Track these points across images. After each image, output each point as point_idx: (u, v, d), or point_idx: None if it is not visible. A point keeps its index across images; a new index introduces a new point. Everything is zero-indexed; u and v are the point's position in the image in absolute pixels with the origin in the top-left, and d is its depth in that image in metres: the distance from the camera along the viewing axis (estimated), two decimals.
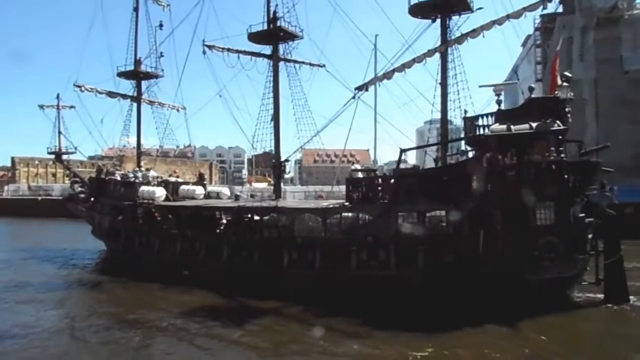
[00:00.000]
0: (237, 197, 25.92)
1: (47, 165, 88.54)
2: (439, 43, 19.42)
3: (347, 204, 18.82)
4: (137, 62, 28.27)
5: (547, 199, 15.67)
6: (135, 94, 28.80)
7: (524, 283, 15.18)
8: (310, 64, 24.63)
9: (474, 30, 18.51)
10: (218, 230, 21.86)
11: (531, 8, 17.43)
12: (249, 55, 22.55)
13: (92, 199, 28.33)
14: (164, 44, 29.57)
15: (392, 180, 17.61)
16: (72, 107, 30.09)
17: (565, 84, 16.34)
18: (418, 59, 19.53)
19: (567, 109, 16.46)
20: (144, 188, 24.36)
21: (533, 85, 16.48)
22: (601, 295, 16.44)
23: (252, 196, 24.71)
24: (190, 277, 19.94)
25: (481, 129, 17.13)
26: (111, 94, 28.13)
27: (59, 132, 29.84)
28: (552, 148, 15.94)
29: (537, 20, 54.63)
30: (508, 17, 17.88)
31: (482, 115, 17.40)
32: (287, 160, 23.15)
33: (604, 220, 16.46)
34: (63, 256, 27.84)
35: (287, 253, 18.57)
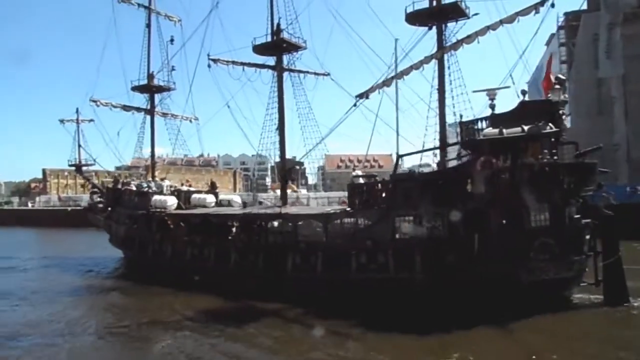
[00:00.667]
0: (260, 204, 26.43)
1: (76, 177, 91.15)
2: (435, 50, 19.78)
3: (348, 209, 19.30)
4: (150, 77, 29.41)
5: (541, 201, 15.85)
6: (148, 107, 29.93)
7: (520, 284, 15.35)
8: (315, 73, 25.24)
9: (468, 36, 18.84)
10: (230, 237, 22.54)
11: (523, 13, 17.65)
12: (253, 67, 23.31)
13: (109, 208, 29.45)
14: (175, 58, 30.66)
15: (390, 185, 17.98)
16: (91, 120, 31.40)
17: (557, 86, 16.49)
18: (415, 66, 19.93)
19: (561, 111, 16.61)
20: (156, 197, 25.30)
21: (525, 89, 16.62)
22: (600, 297, 16.50)
23: (260, 203, 25.31)
24: (201, 282, 20.68)
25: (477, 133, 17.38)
26: (125, 108, 29.33)
27: (79, 145, 31.16)
28: (546, 150, 16.15)
29: (561, 19, 53.89)
30: (501, 22, 18.17)
31: (477, 120, 17.67)
32: (292, 168, 23.69)
33: (602, 221, 16.55)
34: (84, 264, 28.98)
35: (291, 258, 19.13)
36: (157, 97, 30.21)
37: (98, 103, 28.72)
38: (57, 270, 27.76)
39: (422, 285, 15.99)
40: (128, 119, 30.38)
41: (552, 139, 16.22)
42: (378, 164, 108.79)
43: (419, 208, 16.87)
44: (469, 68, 22.52)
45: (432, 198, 16.78)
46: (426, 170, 23.00)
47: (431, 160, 21.42)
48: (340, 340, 13.71)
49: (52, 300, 20.02)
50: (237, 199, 27.45)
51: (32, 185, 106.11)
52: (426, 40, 20.24)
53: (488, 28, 18.47)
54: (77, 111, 30.73)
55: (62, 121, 30.93)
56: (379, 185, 19.16)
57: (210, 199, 26.43)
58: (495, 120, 16.82)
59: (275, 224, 20.78)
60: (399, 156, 18.43)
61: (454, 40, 19.50)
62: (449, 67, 19.83)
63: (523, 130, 15.85)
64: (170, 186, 28.29)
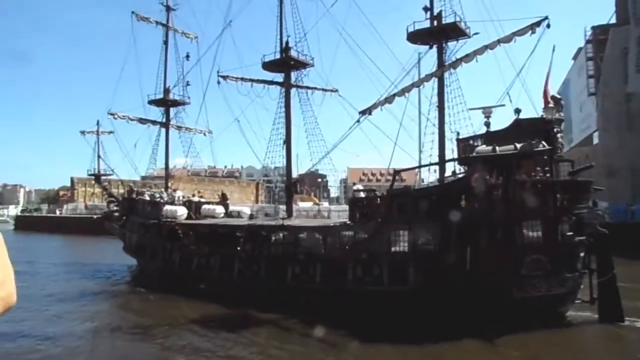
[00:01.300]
0: (266, 215, 27.19)
1: (119, 185, 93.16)
2: (436, 68, 20.26)
3: (348, 222, 19.80)
4: (166, 91, 30.60)
5: (534, 218, 16.08)
6: (164, 120, 31.10)
7: (511, 300, 15.55)
8: (323, 90, 25.94)
9: (467, 55, 19.29)
10: (238, 247, 23.22)
11: (520, 33, 18.03)
12: (261, 83, 24.15)
13: (124, 217, 30.54)
14: (190, 73, 31.78)
15: (386, 200, 18.43)
16: (111, 132, 32.69)
17: (551, 104, 16.77)
18: (417, 84, 20.44)
19: (555, 130, 16.85)
20: (167, 207, 26.21)
21: (520, 108, 16.95)
22: (596, 315, 16.53)
23: (266, 215, 25.98)
24: (207, 290, 21.37)
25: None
26: (141, 121, 30.55)
27: (98, 156, 32.45)
28: (539, 168, 16.41)
29: (589, 32, 53.53)
30: (499, 41, 18.58)
31: (473, 137, 18.05)
32: (298, 181, 24.34)
33: (596, 239, 16.65)
34: (101, 270, 30.06)
35: (291, 268, 19.67)
36: (172, 110, 31.38)
37: (116, 116, 30.02)
38: (76, 275, 28.81)
39: (414, 298, 16.30)
40: (144, 131, 31.64)
41: (545, 157, 16.45)
42: (400, 176, 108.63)
43: (413, 222, 17.26)
44: (470, 86, 22.97)
45: (426, 213, 17.17)
46: None
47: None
48: (329, 350, 14.17)
49: (64, 303, 21.01)
50: (246, 210, 28.19)
51: (61, 193, 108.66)
52: (427, 58, 20.81)
53: (486, 47, 18.90)
54: (97, 123, 32.09)
55: (83, 132, 32.33)
56: (378, 199, 19.61)
57: (219, 209, 27.22)
58: (490, 137, 17.20)
59: (280, 235, 21.37)
60: (396, 171, 18.84)
61: (454, 59, 19.96)
62: (449, 85, 20.31)
63: (516, 148, 16.17)
64: (183, 197, 29.22)
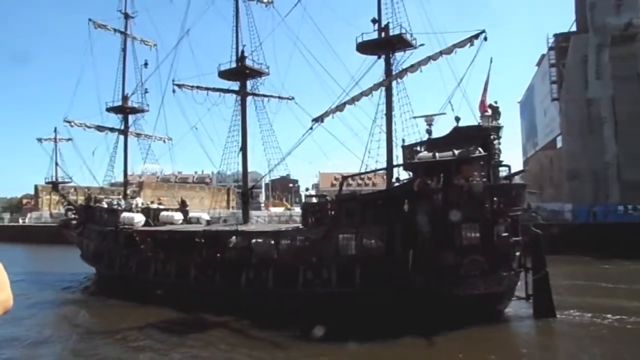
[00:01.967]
0: (225, 222, 27.50)
1: (69, 193, 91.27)
2: (384, 77, 21.07)
3: (301, 227, 20.37)
4: (125, 98, 30.64)
5: (471, 220, 17.00)
6: (122, 127, 31.11)
7: (452, 299, 16.37)
8: (280, 97, 26.50)
9: (412, 66, 20.14)
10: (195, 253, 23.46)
11: (460, 45, 18.96)
12: (217, 91, 24.56)
13: (82, 225, 30.37)
14: (149, 80, 31.91)
15: (335, 205, 19.09)
16: (69, 139, 32.49)
17: (487, 113, 17.75)
18: (365, 93, 21.19)
19: (492, 137, 17.84)
20: (125, 214, 26.28)
21: (459, 116, 17.87)
22: (531, 310, 17.55)
23: (224, 221, 26.35)
24: (163, 296, 21.58)
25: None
26: (99, 128, 30.51)
27: (56, 164, 32.18)
28: (476, 173, 17.35)
29: (551, 40, 55.33)
30: (441, 53, 19.49)
31: (417, 144, 18.90)
32: (254, 187, 24.80)
33: (531, 239, 17.69)
34: (64, 279, 29.66)
35: (245, 273, 20.10)
36: (131, 118, 31.43)
37: (72, 124, 29.92)
38: (36, 285, 28.34)
39: (360, 299, 16.97)
40: (103, 138, 31.56)
41: (482, 162, 17.38)
42: (372, 181, 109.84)
43: (360, 226, 17.97)
44: (419, 94, 23.92)
45: (372, 217, 17.91)
46: None
47: None
48: (274, 350, 14.73)
49: (22, 314, 20.77)
50: (205, 216, 28.43)
51: (24, 201, 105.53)
52: (377, 68, 21.59)
53: (429, 58, 19.79)
54: (55, 130, 31.85)
55: (39, 140, 32.04)
56: (329, 204, 20.25)
57: (178, 216, 27.41)
58: (431, 144, 18.07)
59: (234, 240, 21.77)
60: (344, 177, 19.57)
61: (400, 69, 20.81)
62: (397, 94, 21.13)
63: (454, 154, 17.07)
64: (142, 204, 29.27)
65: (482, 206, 16.89)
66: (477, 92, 19.80)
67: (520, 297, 17.88)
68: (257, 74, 25.10)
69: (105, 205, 28.75)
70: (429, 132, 18.38)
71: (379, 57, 21.43)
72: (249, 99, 25.34)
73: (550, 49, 55.94)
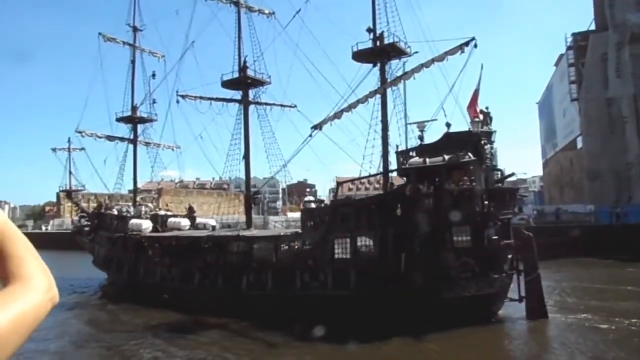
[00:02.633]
0: (229, 227, 28.21)
1: (89, 200, 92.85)
2: (379, 85, 21.63)
3: (299, 231, 20.97)
4: (134, 108, 31.69)
5: (462, 223, 17.39)
6: (132, 137, 32.16)
7: (443, 300, 16.77)
8: (282, 105, 27.20)
9: (405, 73, 20.71)
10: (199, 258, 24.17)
11: (451, 52, 19.45)
12: (219, 101, 25.36)
13: (94, 231, 31.40)
14: (158, 91, 32.92)
15: (330, 209, 19.65)
16: (82, 149, 33.65)
17: (477, 119, 18.16)
18: (362, 100, 21.76)
19: (483, 142, 18.23)
20: (133, 221, 27.17)
21: (450, 122, 18.31)
22: (524, 312, 17.84)
23: (229, 226, 27.09)
24: (170, 300, 22.35)
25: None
26: (109, 138, 31.60)
27: (70, 172, 33.33)
28: (466, 177, 17.75)
29: (569, 39, 54.46)
30: (433, 60, 20.01)
31: (411, 149, 19.38)
32: (257, 193, 25.51)
33: (522, 241, 18.00)
34: (76, 285, 30.60)
35: (246, 276, 20.76)
36: (140, 127, 32.50)
37: (83, 134, 31.05)
38: (59, 291, 29.45)
39: (355, 301, 17.46)
40: (113, 148, 32.66)
41: (472, 167, 17.76)
42: (392, 185, 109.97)
43: (355, 230, 18.48)
44: (416, 101, 24.41)
45: (366, 221, 18.42)
46: None
47: None
48: (272, 350, 15.33)
49: None
50: (211, 222, 29.17)
51: (47, 208, 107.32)
52: (373, 75, 22.17)
53: (422, 66, 20.31)
54: (68, 140, 33.03)
55: (54, 150, 33.24)
56: (325, 210, 20.81)
57: (184, 222, 28.22)
58: (422, 150, 18.53)
59: (236, 245, 22.44)
60: (339, 183, 20.12)
61: (395, 77, 21.35)
62: (393, 100, 21.68)
63: (444, 159, 17.52)
64: (151, 210, 30.19)
65: (473, 210, 17.27)
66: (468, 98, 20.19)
67: (513, 298, 18.14)
68: (258, 83, 25.84)
69: (116, 212, 29.72)
70: (420, 138, 18.85)
71: (374, 65, 22.01)
72: (252, 107, 26.08)
73: (568, 48, 54.79)
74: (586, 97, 48.63)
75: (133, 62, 32.16)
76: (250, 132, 25.47)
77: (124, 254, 26.69)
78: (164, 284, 23.70)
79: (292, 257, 19.87)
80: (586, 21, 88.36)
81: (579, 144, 54.96)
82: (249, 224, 25.33)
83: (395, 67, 21.91)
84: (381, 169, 21.72)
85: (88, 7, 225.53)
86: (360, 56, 21.96)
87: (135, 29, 32.69)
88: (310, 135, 23.06)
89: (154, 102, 31.36)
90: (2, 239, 1.02)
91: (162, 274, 24.08)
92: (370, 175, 20.81)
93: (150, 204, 33.39)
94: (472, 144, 18.05)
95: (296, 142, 26.47)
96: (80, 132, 30.93)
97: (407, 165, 17.93)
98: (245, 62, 25.75)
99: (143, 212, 29.16)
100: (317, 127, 22.92)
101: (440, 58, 19.81)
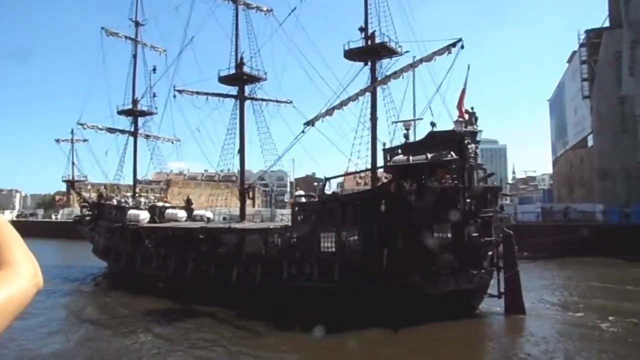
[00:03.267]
0: (225, 219, 28.98)
1: (99, 190, 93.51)
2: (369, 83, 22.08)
3: (289, 225, 21.58)
4: (135, 102, 32.39)
5: (443, 221, 17.89)
6: (132, 130, 32.90)
7: (425, 295, 17.29)
8: (277, 101, 27.74)
9: (395, 73, 21.12)
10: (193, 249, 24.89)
11: (439, 53, 19.85)
12: (216, 96, 25.96)
13: (94, 221, 32.26)
14: (158, 84, 33.50)
15: (318, 205, 20.22)
16: (85, 140, 34.47)
17: (461, 119, 18.59)
18: (352, 98, 22.23)
19: (466, 141, 18.65)
20: (131, 212, 27.93)
21: (434, 121, 18.75)
22: (502, 308, 18.34)
23: (224, 219, 27.75)
24: (164, 289, 23.10)
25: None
26: (110, 130, 32.36)
27: (72, 163, 34.19)
28: (448, 175, 18.23)
29: (582, 36, 53.47)
30: (422, 60, 20.42)
31: (398, 147, 19.86)
32: (250, 187, 26.14)
33: (502, 239, 18.47)
34: (79, 272, 31.55)
35: (236, 268, 21.43)
36: (140, 120, 33.22)
37: (85, 126, 31.82)
38: (59, 278, 30.37)
39: (339, 294, 18.05)
40: (114, 140, 33.42)
41: (454, 165, 18.22)
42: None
43: (340, 225, 19.05)
44: (407, 99, 24.73)
45: (351, 217, 18.98)
46: None
47: None
48: (253, 337, 16.01)
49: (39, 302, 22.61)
50: (208, 214, 29.87)
51: (57, 197, 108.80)
52: (364, 74, 22.62)
53: (411, 65, 20.74)
54: (72, 132, 33.85)
55: (57, 141, 34.09)
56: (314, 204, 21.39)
57: (181, 214, 28.95)
58: (407, 148, 19.01)
59: (227, 237, 23.11)
60: (326, 179, 20.67)
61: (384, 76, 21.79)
62: (383, 99, 22.13)
63: (427, 157, 18.00)
64: (149, 202, 30.95)
65: (454, 208, 17.74)
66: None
67: (492, 294, 18.62)
68: (254, 79, 26.38)
69: (115, 203, 30.51)
70: (406, 136, 19.32)
71: (365, 64, 22.44)
72: (247, 102, 26.64)
73: (581, 45, 53.87)
74: (598, 94, 48.01)
75: (135, 56, 32.86)
76: (245, 127, 26.06)
77: (122, 244, 27.48)
78: (159, 273, 24.44)
79: (281, 250, 20.49)
80: (600, 18, 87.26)
81: (590, 142, 54.25)
82: (242, 216, 25.98)
83: (385, 66, 22.34)
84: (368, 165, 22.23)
85: (91, 1, 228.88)
86: (351, 54, 22.41)
87: (137, 24, 33.31)
88: (303, 132, 23.61)
89: (155, 95, 32.09)
90: None
91: (157, 263, 24.83)
92: (357, 172, 21.32)
93: (151, 195, 34.09)
94: (456, 143, 18.50)
95: (292, 138, 27.00)
96: (82, 125, 31.75)
97: (391, 163, 18.42)
98: (242, 58, 26.30)
99: (142, 203, 29.90)
100: (310, 123, 23.45)
101: (428, 58, 20.23)
